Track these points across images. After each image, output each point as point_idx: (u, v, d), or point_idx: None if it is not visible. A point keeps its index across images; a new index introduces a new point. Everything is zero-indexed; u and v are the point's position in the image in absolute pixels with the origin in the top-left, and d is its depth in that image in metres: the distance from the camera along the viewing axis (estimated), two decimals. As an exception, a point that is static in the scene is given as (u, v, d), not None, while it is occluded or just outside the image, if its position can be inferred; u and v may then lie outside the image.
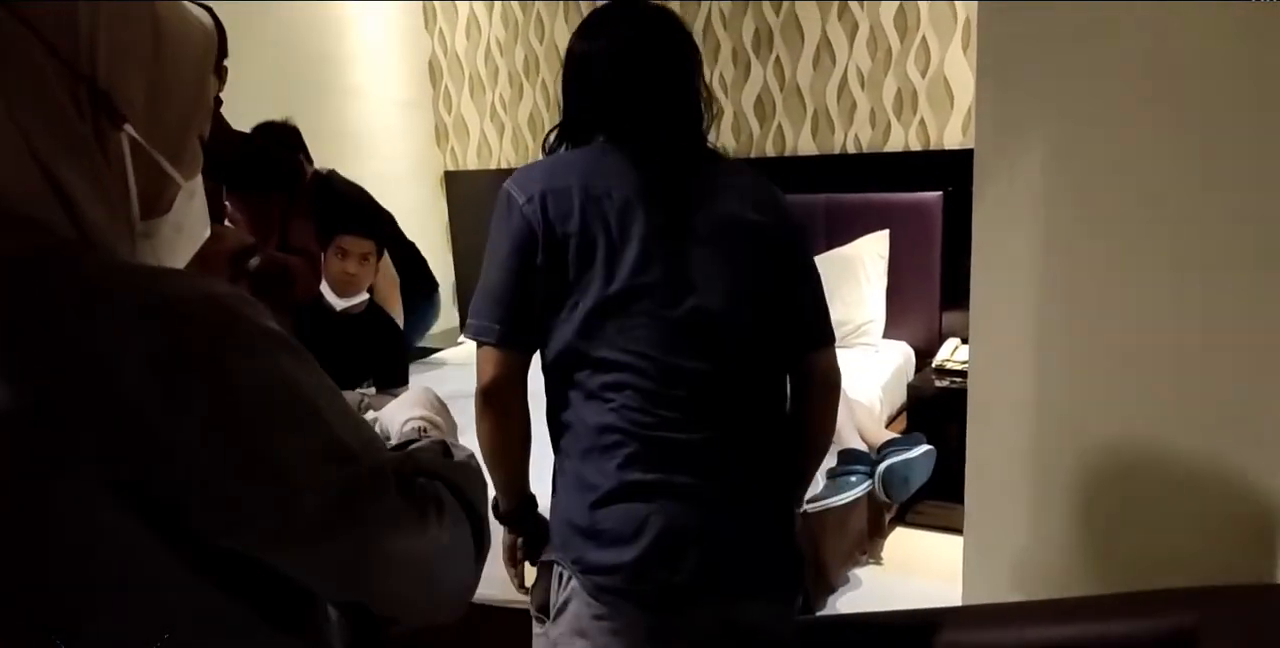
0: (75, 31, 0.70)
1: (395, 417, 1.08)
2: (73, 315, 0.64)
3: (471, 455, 0.93)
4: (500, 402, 1.46)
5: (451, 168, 4.76)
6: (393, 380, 2.98)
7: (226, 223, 1.93)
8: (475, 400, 1.46)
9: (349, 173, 4.14)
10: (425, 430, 1.02)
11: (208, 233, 0.86)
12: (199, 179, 0.82)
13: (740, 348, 1.43)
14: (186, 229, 0.81)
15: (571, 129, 1.51)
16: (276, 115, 3.11)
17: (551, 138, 1.53)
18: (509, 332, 1.42)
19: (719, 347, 1.41)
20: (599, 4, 1.57)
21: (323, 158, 3.96)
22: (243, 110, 2.31)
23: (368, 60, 4.31)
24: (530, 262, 1.40)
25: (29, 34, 0.69)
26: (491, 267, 1.44)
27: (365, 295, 2.96)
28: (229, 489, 0.66)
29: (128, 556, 0.65)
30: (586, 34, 1.50)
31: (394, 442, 1.01)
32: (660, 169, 1.45)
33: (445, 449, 0.91)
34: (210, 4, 1.91)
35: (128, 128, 0.73)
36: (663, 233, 1.40)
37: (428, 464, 0.83)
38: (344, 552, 0.72)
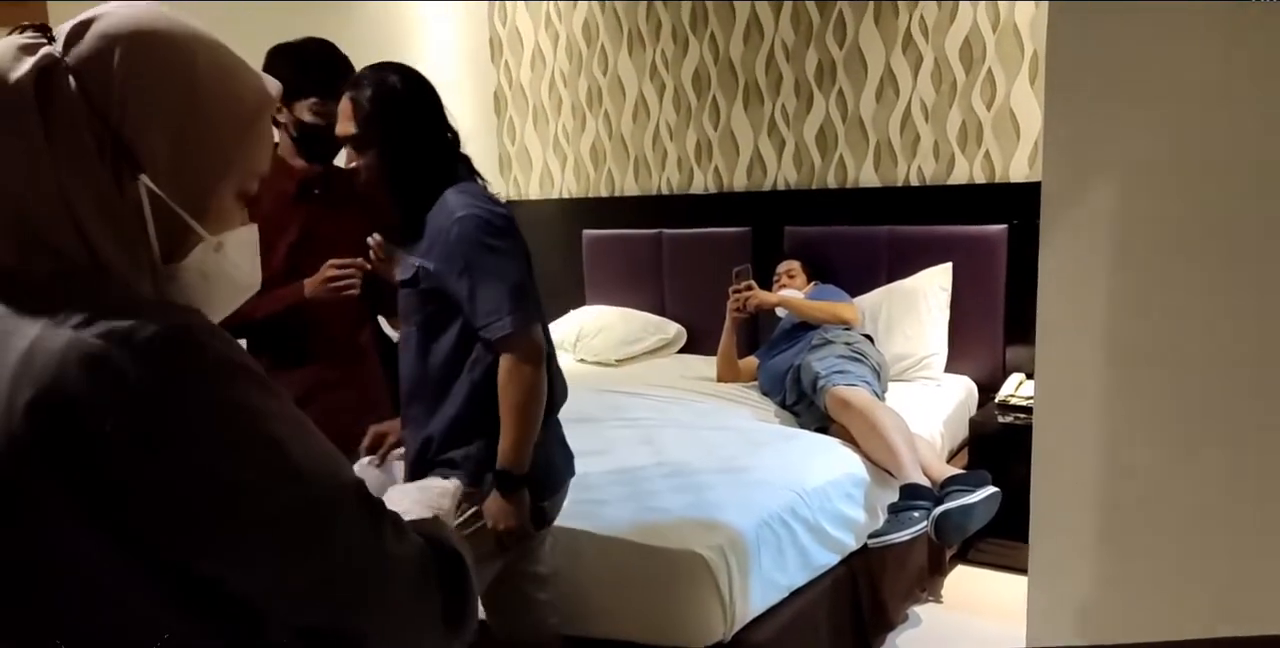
0: (109, 82, 0.76)
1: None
2: (45, 338, 0.71)
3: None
4: (545, 368, 1.82)
5: (514, 197, 4.82)
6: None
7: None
8: (536, 370, 1.79)
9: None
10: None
11: (255, 286, 0.91)
12: (243, 233, 0.87)
13: None
14: (214, 278, 0.85)
15: (438, 171, 1.88)
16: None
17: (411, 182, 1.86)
18: (540, 316, 1.83)
19: None
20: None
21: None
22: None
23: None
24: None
25: (70, 77, 0.76)
26: (514, 271, 1.82)
27: None
28: (180, 509, 0.71)
29: (96, 573, 0.71)
30: (413, 84, 1.89)
31: None
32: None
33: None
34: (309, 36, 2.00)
35: (144, 179, 0.78)
36: None
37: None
38: (300, 569, 0.76)
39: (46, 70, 0.75)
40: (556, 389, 1.90)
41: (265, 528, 0.73)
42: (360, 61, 2.20)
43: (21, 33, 0.79)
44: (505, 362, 1.77)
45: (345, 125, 1.84)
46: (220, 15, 3.42)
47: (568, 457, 1.98)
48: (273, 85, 0.87)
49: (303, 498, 0.75)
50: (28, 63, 0.75)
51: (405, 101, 1.84)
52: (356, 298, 2.13)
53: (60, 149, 0.75)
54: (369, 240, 2.04)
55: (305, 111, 2.15)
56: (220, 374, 0.73)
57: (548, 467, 1.87)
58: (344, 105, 1.84)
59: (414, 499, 1.05)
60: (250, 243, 0.89)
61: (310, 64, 2.15)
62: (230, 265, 0.86)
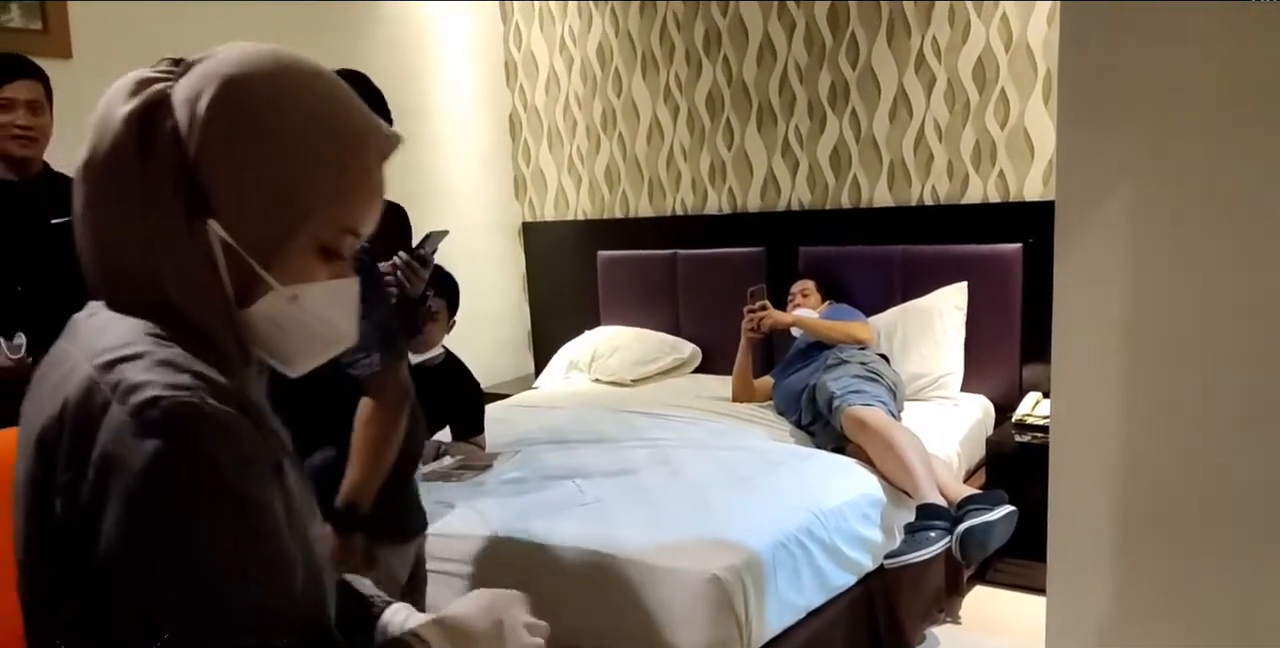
0: (193, 122, 0.76)
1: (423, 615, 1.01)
2: (77, 368, 0.75)
3: None
4: (408, 410, 1.78)
5: (529, 219, 4.85)
6: (470, 429, 3.02)
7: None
8: (400, 409, 1.74)
9: (431, 222, 4.25)
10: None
11: (343, 341, 0.87)
12: (331, 287, 0.84)
13: None
14: (291, 329, 0.82)
15: None
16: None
17: None
18: (405, 355, 1.79)
19: None
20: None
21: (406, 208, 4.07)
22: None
23: (450, 115, 4.44)
24: None
25: (171, 114, 0.76)
26: (379, 309, 1.70)
27: (441, 350, 3.02)
28: (114, 577, 0.70)
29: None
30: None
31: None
32: None
33: None
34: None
35: (211, 222, 0.77)
36: None
37: None
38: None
39: (153, 105, 0.76)
40: (418, 438, 1.85)
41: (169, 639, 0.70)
42: (377, 81, 2.25)
43: (158, 66, 0.80)
44: (371, 398, 1.71)
45: None
46: (240, 39, 3.47)
47: (420, 512, 1.93)
48: (379, 138, 0.84)
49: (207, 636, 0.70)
50: (140, 96, 0.77)
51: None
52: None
53: (148, 183, 0.76)
54: (395, 259, 2.07)
55: None
56: (188, 472, 0.70)
57: (406, 511, 1.83)
58: None
59: (478, 602, 0.97)
60: (342, 299, 0.86)
61: None
62: (310, 318, 0.83)
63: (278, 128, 0.78)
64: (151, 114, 0.76)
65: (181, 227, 0.76)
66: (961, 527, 2.62)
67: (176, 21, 3.22)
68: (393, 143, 0.85)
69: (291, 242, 0.80)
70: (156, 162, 0.76)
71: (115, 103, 0.78)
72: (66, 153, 2.88)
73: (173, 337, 0.76)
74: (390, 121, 2.22)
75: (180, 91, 0.77)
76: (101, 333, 0.76)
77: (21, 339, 2.35)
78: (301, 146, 0.79)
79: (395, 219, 2.44)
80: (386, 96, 2.00)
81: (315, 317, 0.83)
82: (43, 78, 2.45)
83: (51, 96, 2.47)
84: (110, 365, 0.72)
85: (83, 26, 3.00)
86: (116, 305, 0.79)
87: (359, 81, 2.24)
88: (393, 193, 2.79)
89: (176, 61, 0.80)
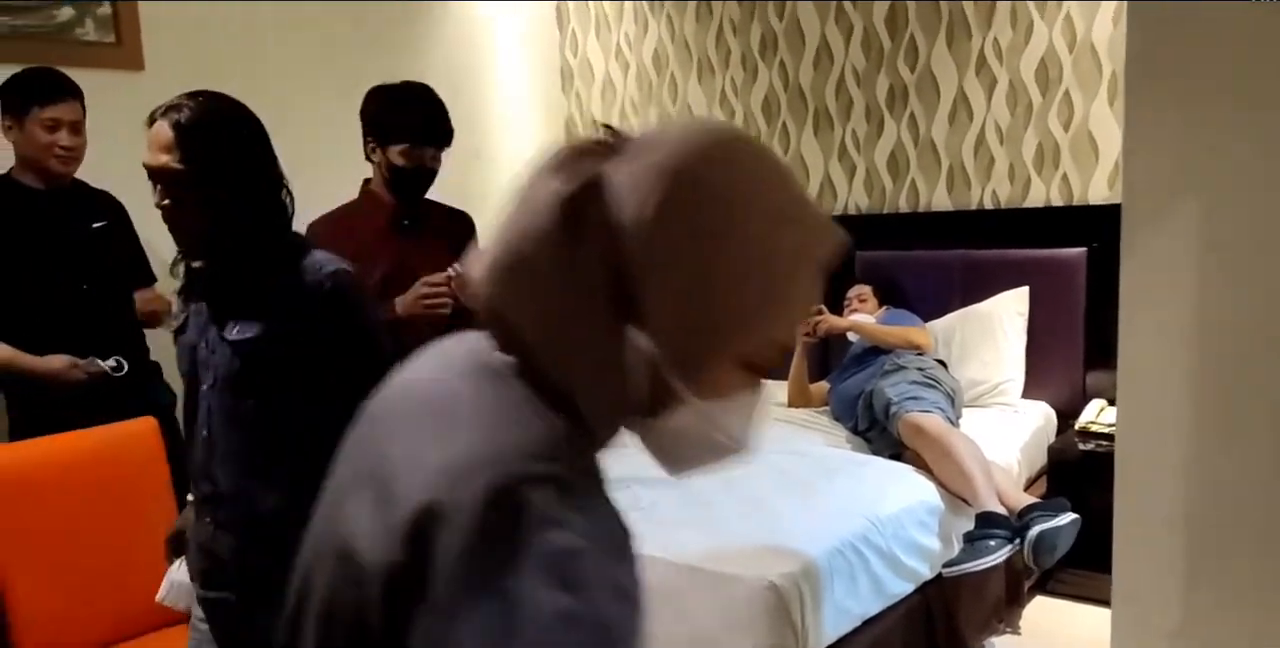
0: (634, 218, 0.68)
1: None
2: (476, 461, 0.67)
3: None
4: None
5: (585, 224, 4.87)
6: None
7: None
8: None
9: (483, 231, 4.29)
10: None
11: (741, 452, 0.79)
12: (743, 401, 0.76)
13: None
14: (694, 439, 0.75)
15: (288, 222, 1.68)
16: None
17: None
18: None
19: None
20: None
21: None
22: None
23: (506, 121, 4.48)
24: None
25: (606, 198, 0.69)
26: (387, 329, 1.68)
27: None
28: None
29: None
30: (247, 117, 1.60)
31: None
32: None
33: None
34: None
35: (630, 328, 0.69)
36: None
37: None
38: None
39: (587, 188, 0.69)
40: None
41: None
42: (435, 88, 2.28)
43: (599, 133, 0.74)
44: None
45: (159, 156, 1.53)
46: (303, 49, 3.50)
47: None
48: (828, 240, 0.74)
49: None
50: (572, 174, 0.70)
51: (249, 138, 1.58)
52: (446, 319, 2.20)
53: (572, 272, 0.69)
54: (450, 270, 2.10)
55: (397, 156, 2.27)
56: (514, 564, 0.62)
57: None
58: (163, 133, 1.52)
59: None
60: (752, 412, 0.77)
61: (404, 109, 2.24)
62: (716, 430, 0.75)
63: (731, 237, 0.69)
64: (584, 197, 0.69)
65: (599, 324, 0.70)
66: (1033, 531, 2.59)
67: (245, 32, 3.29)
68: (837, 243, 0.74)
69: (719, 357, 0.72)
70: (584, 251, 0.69)
71: (543, 176, 0.72)
72: (130, 166, 2.97)
73: (576, 443, 0.70)
74: (450, 131, 2.24)
75: (619, 175, 0.69)
76: (519, 417, 0.70)
77: (120, 362, 2.48)
78: (751, 258, 0.70)
79: (463, 227, 2.49)
80: (446, 103, 2.03)
81: (721, 430, 0.75)
82: (81, 96, 2.53)
83: (85, 113, 2.56)
84: (529, 483, 0.65)
85: (154, 39, 3.08)
86: (522, 374, 0.72)
87: (423, 94, 2.27)
88: (449, 201, 2.84)
89: (611, 131, 0.73)
